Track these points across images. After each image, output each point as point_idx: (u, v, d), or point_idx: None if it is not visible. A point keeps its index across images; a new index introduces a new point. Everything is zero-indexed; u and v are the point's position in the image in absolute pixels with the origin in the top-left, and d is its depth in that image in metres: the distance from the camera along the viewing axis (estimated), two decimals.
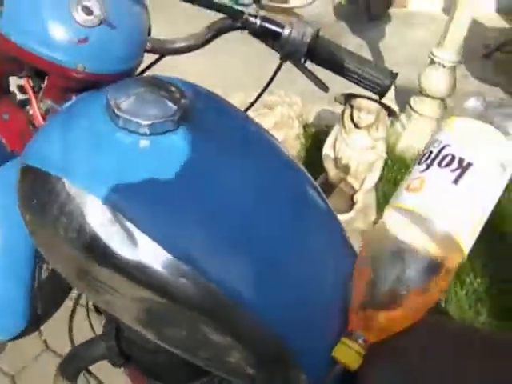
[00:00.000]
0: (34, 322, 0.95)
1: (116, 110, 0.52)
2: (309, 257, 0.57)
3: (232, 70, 2.65)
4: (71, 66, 0.59)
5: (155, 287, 0.50)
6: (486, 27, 3.47)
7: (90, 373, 1.06)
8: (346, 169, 1.71)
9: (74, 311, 0.97)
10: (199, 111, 0.58)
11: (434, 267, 0.53)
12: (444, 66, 1.99)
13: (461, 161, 0.53)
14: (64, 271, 0.60)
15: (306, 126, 2.28)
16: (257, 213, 0.55)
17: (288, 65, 0.71)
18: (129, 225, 0.49)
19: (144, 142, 0.52)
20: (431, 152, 0.55)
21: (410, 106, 2.16)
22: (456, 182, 0.53)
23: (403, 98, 2.23)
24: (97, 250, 0.50)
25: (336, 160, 1.74)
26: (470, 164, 0.53)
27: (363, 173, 1.70)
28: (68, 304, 0.95)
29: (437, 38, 2.05)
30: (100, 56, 0.60)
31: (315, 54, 0.68)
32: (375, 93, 0.67)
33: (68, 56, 0.59)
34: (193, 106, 0.57)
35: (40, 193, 0.53)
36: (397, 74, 0.67)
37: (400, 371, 0.54)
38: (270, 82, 0.77)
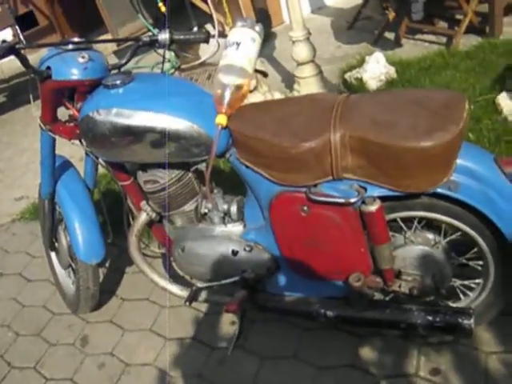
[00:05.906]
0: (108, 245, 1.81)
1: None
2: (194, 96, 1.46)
3: None
4: (85, 78, 1.46)
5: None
6: (345, 9, 4.49)
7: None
8: None
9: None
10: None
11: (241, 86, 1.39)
12: (301, 40, 2.89)
13: (237, 42, 1.40)
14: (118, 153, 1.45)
15: None
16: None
17: None
18: None
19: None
20: (226, 46, 1.41)
21: (296, 76, 3.05)
22: (237, 49, 1.39)
23: (291, 78, 3.13)
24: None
25: None
26: (239, 42, 1.39)
27: None
28: None
29: None
30: (93, 72, 1.47)
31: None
32: (202, 42, 1.54)
33: (83, 76, 1.47)
34: None
35: (95, 126, 1.39)
36: (208, 32, 1.54)
37: (246, 119, 1.39)
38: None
